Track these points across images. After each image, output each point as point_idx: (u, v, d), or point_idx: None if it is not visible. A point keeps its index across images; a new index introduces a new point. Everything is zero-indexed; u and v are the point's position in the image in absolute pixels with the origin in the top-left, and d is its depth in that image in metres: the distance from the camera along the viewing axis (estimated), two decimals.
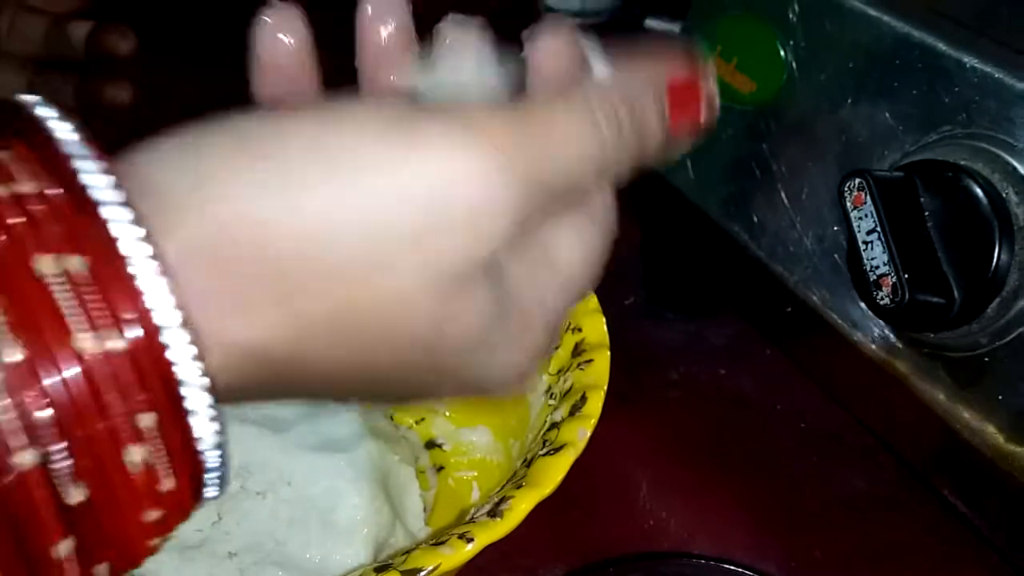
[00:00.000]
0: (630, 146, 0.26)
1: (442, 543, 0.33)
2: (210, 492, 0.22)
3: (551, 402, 0.40)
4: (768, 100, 0.45)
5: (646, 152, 0.27)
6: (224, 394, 0.22)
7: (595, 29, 0.27)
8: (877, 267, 0.36)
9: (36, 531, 0.19)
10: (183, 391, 0.21)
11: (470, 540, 0.33)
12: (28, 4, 0.53)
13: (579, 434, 0.37)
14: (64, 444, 0.19)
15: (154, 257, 0.20)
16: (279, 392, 0.24)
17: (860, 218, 0.36)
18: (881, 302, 0.36)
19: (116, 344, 0.20)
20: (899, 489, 0.48)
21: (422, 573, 0.32)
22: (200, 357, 0.21)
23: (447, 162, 0.22)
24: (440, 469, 0.48)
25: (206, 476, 0.22)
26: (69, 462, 0.19)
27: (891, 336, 0.40)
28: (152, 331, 0.20)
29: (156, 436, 0.20)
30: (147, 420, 0.20)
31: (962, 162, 0.36)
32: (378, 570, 0.32)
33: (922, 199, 0.36)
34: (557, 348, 0.42)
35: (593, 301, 0.42)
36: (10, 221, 0.20)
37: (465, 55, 0.27)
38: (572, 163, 0.25)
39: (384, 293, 0.22)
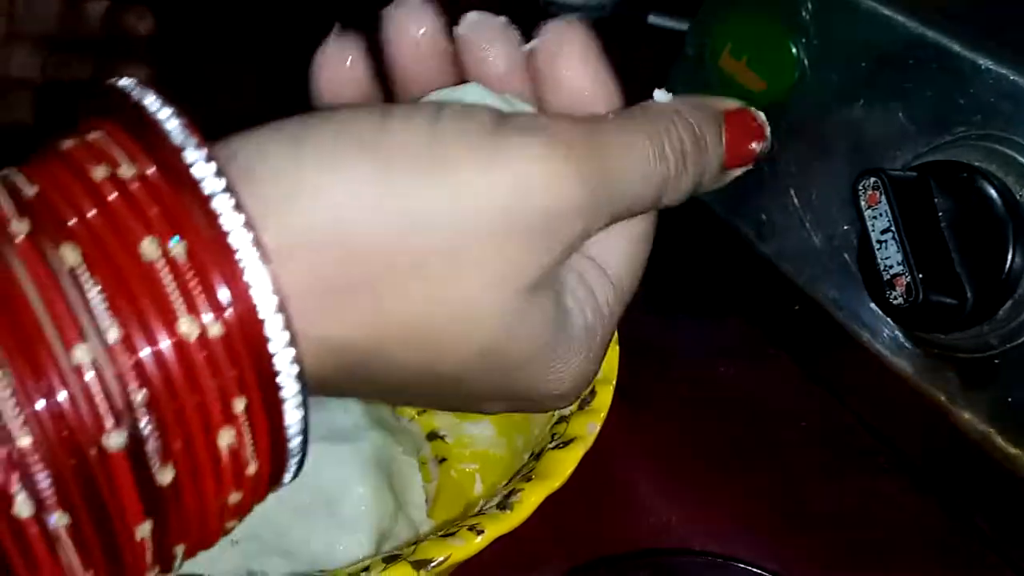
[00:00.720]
0: (691, 174, 0.27)
1: (452, 534, 0.33)
2: (287, 476, 0.23)
3: None
4: (779, 98, 0.45)
5: (703, 181, 0.28)
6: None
7: (597, 25, 0.27)
8: (891, 267, 0.36)
9: (119, 511, 0.20)
10: (278, 378, 0.21)
11: (480, 532, 0.33)
12: None
13: (588, 428, 0.37)
14: (156, 425, 0.19)
15: (256, 243, 0.20)
16: (341, 391, 0.25)
17: (874, 217, 0.36)
18: (894, 302, 0.36)
19: (214, 327, 0.20)
20: (901, 489, 0.48)
21: (432, 564, 0.32)
22: (294, 343, 0.21)
23: (529, 165, 0.23)
24: (442, 461, 0.47)
25: (288, 461, 0.22)
26: (160, 443, 0.20)
27: (900, 336, 0.40)
28: (251, 315, 0.20)
29: (247, 420, 0.21)
30: (240, 404, 0.20)
31: (976, 163, 0.36)
32: (387, 560, 0.32)
33: (936, 200, 0.36)
34: None
35: None
36: (113, 203, 0.20)
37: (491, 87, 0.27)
38: (637, 185, 0.26)
39: (465, 292, 0.23)
